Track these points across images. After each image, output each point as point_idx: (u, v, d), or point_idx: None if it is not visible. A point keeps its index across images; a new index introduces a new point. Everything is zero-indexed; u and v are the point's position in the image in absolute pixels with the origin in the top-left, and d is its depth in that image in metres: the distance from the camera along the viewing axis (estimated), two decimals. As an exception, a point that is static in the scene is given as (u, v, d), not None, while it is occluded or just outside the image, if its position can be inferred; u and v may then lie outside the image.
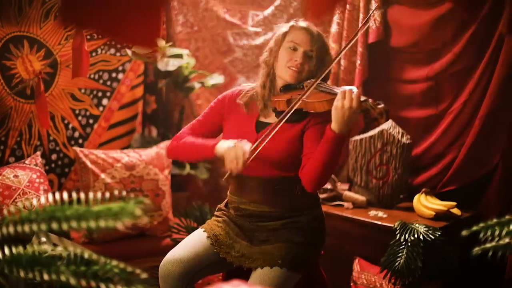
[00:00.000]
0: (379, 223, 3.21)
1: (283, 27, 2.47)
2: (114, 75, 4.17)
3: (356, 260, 3.28)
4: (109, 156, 3.50)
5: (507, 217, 1.50)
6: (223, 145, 2.28)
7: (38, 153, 3.46)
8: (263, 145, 2.25)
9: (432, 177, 3.59)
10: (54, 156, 3.91)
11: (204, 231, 2.50)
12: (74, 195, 1.37)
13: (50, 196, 1.39)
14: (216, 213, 2.61)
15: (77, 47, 2.82)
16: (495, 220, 1.50)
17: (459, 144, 3.44)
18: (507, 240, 1.46)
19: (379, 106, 2.12)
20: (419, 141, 3.65)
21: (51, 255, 1.36)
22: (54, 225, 1.13)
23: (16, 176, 3.13)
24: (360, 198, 3.53)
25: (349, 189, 3.66)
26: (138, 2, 0.87)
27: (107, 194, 1.36)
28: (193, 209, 3.61)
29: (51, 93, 3.82)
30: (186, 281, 2.32)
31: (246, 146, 2.22)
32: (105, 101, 4.15)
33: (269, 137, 2.25)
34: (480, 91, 3.32)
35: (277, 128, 2.26)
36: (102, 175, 3.43)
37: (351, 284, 3.26)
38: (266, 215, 2.43)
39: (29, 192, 3.11)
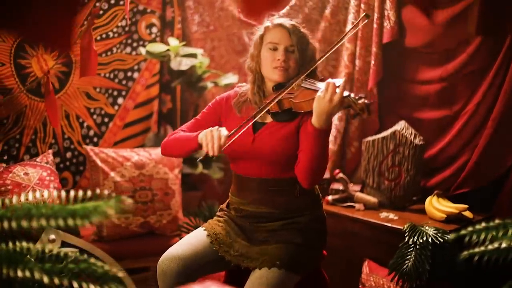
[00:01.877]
0: (389, 225, 3.17)
1: (259, 30, 2.46)
2: (129, 74, 4.21)
3: (366, 262, 3.25)
4: (119, 155, 3.52)
5: (496, 221, 1.47)
6: (202, 132, 2.29)
7: (50, 151, 3.50)
8: (240, 132, 2.27)
9: (446, 179, 3.54)
10: (68, 154, 3.95)
11: (204, 229, 2.50)
12: (55, 193, 1.37)
13: (31, 193, 1.40)
14: (218, 213, 2.62)
15: (85, 46, 2.83)
16: (483, 225, 1.48)
17: (473, 145, 3.38)
18: (496, 245, 1.44)
19: (360, 101, 2.06)
20: (433, 143, 3.60)
21: (33, 253, 1.36)
22: (24, 223, 1.13)
23: (26, 174, 3.17)
24: (372, 199, 3.49)
25: (361, 191, 3.63)
26: (52, 3, 0.87)
27: (89, 192, 1.36)
28: (203, 208, 3.62)
29: (66, 91, 3.86)
30: (184, 278, 2.31)
31: (223, 130, 2.23)
32: (120, 100, 4.18)
33: (248, 125, 2.29)
34: (494, 92, 3.26)
35: (256, 118, 2.30)
36: (112, 174, 3.45)
37: (360, 286, 3.23)
38: (265, 216, 2.42)
39: (39, 190, 3.14)
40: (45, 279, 1.21)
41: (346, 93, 2.08)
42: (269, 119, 2.42)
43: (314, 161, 2.21)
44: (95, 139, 4.08)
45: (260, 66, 2.44)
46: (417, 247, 2.86)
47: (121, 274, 1.32)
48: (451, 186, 3.50)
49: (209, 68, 4.33)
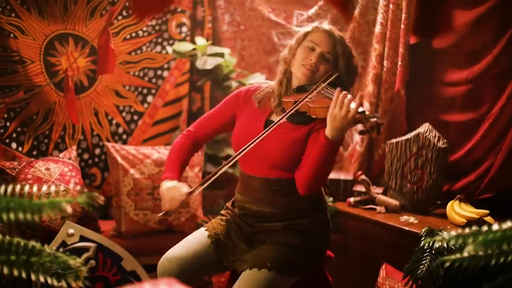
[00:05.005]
0: (407, 228, 3.11)
1: (307, 27, 2.47)
2: (159, 72, 4.26)
3: (383, 266, 3.20)
4: (139, 152, 3.56)
5: (474, 228, 1.44)
6: (166, 184, 2.41)
7: (74, 147, 3.57)
8: (226, 167, 2.35)
9: (471, 183, 3.45)
10: (97, 151, 4.03)
11: (206, 229, 2.51)
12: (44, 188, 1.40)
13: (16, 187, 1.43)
14: (222, 211, 2.63)
15: (102, 44, 2.89)
16: (459, 231, 1.44)
17: (498, 149, 3.29)
18: (472, 252, 1.40)
19: (372, 120, 2.05)
20: (459, 146, 3.52)
21: None
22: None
23: (47, 169, 3.25)
24: (394, 202, 3.44)
25: (384, 193, 3.58)
26: None
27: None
28: (221, 207, 3.63)
29: (95, 89, 3.94)
30: (183, 279, 2.31)
31: (184, 188, 2.35)
32: (149, 98, 4.23)
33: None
34: (517, 95, 3.17)
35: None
36: (131, 171, 3.49)
37: (375, 290, 3.19)
38: (267, 216, 2.41)
39: (59, 185, 3.21)
40: (5, 271, 1.24)
41: (361, 109, 2.08)
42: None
43: (318, 171, 2.21)
44: (124, 136, 4.14)
45: (292, 61, 2.44)
46: (433, 252, 2.80)
47: (83, 268, 1.34)
48: (475, 191, 3.41)
49: (240, 67, 4.34)
